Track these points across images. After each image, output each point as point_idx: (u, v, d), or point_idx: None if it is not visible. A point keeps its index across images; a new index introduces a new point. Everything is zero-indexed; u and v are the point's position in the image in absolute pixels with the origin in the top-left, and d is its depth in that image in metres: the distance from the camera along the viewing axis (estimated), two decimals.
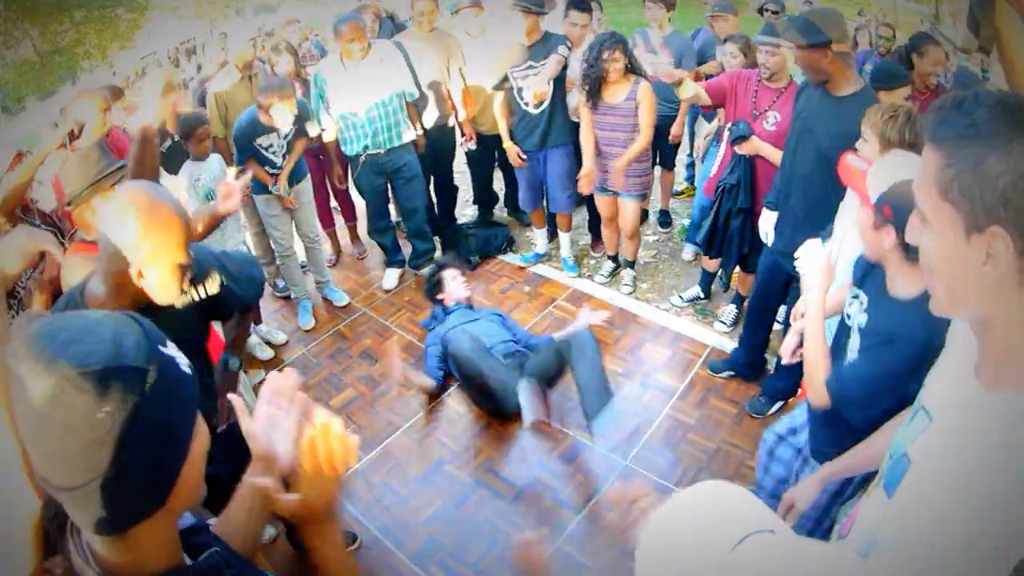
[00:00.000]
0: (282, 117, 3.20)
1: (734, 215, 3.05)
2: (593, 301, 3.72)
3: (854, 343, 1.54)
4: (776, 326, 3.06)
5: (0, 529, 0.99)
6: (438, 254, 4.21)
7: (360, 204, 4.14)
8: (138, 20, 11.31)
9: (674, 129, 3.97)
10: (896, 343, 1.37)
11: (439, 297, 3.38)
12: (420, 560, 2.41)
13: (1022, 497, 0.73)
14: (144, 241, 1.32)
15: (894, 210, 1.35)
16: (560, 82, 3.54)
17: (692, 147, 4.52)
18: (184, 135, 3.08)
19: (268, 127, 3.29)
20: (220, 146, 3.53)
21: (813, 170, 2.35)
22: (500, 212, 4.77)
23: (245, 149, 3.35)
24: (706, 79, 3.31)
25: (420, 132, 3.84)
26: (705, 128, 3.89)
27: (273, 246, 3.72)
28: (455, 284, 3.38)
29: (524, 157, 3.73)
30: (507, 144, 3.76)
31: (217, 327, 2.13)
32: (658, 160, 4.13)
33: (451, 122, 4.08)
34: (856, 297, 1.57)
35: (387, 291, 4.06)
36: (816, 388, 1.53)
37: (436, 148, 4.05)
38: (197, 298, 1.63)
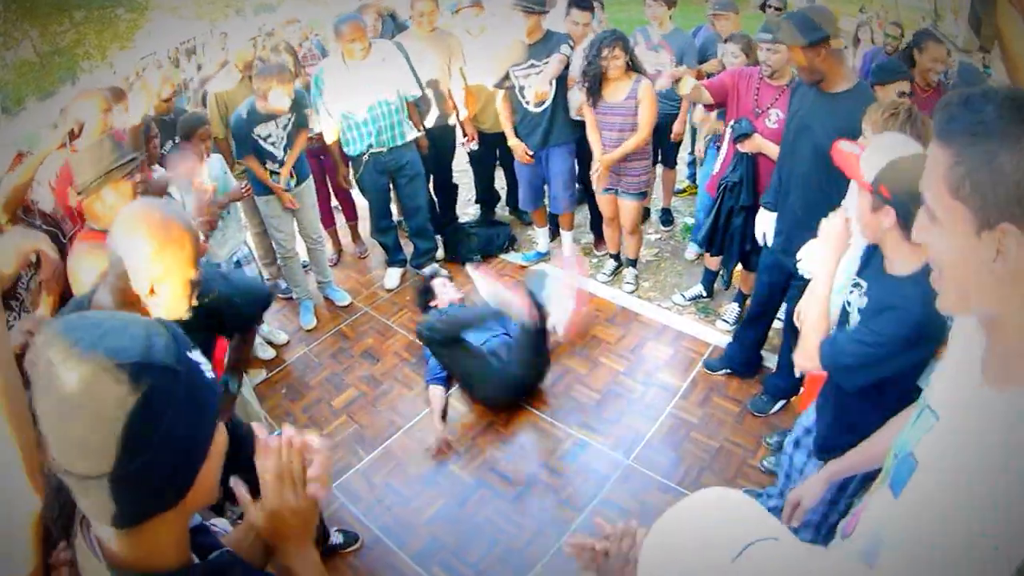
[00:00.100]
0: (280, 101, 3.16)
1: (736, 213, 3.05)
2: (595, 300, 3.72)
3: (853, 323, 1.55)
4: (776, 323, 3.05)
5: (0, 529, 0.98)
6: (440, 253, 4.22)
7: (361, 203, 4.14)
8: (138, 20, 11.30)
9: (676, 127, 3.96)
10: (894, 310, 1.40)
11: (432, 304, 3.39)
12: (422, 560, 2.41)
13: (1022, 497, 0.73)
14: (157, 260, 1.32)
15: (891, 189, 1.36)
16: (562, 81, 3.53)
17: (693, 146, 4.51)
18: (184, 135, 3.07)
19: (267, 115, 3.25)
20: (221, 146, 3.52)
21: (811, 167, 2.35)
22: (502, 211, 4.77)
23: (244, 140, 3.29)
24: (707, 77, 3.31)
25: (422, 132, 3.84)
26: (706, 127, 3.87)
27: (275, 247, 3.72)
28: (445, 290, 3.42)
29: (531, 153, 3.72)
30: (512, 142, 3.74)
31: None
32: (660, 158, 4.13)
33: (451, 121, 4.07)
34: (857, 285, 1.58)
35: (389, 290, 4.05)
36: (808, 350, 1.53)
37: (436, 147, 4.04)
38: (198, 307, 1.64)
